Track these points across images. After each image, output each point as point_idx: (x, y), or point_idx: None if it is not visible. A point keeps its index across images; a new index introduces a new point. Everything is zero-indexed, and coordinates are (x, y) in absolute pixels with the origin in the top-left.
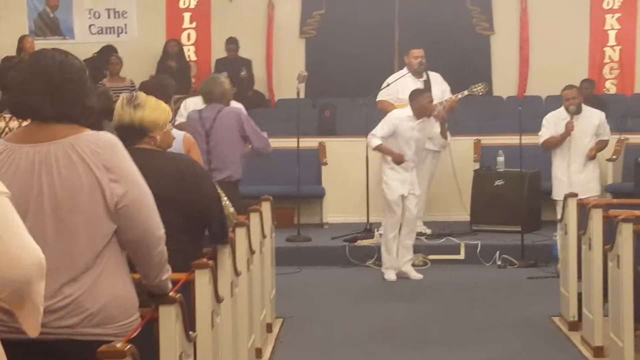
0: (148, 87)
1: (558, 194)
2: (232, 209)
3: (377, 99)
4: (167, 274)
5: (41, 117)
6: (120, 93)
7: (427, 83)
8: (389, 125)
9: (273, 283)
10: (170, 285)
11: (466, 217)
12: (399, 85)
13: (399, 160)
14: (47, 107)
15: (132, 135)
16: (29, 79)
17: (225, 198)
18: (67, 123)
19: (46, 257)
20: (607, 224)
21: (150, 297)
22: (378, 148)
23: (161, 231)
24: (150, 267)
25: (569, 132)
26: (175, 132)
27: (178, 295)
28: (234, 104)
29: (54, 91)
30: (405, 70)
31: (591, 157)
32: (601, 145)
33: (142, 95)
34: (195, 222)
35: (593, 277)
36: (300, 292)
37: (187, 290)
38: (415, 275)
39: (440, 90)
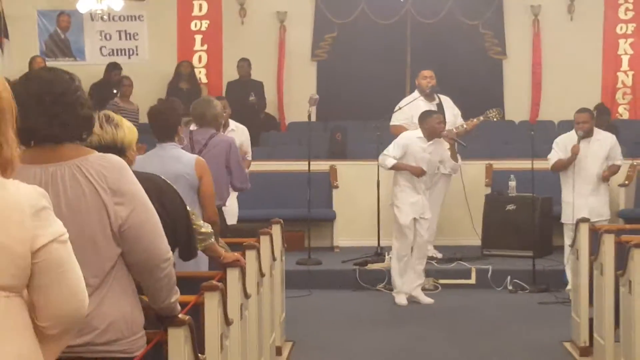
0: (159, 111)
1: (566, 218)
2: (203, 229)
3: (391, 124)
4: (176, 296)
5: (42, 138)
6: (128, 116)
7: (440, 106)
8: (400, 146)
9: (283, 306)
10: (178, 307)
11: (477, 242)
12: (413, 109)
13: (418, 173)
14: (46, 128)
15: (113, 154)
16: (23, 102)
17: (201, 221)
18: (69, 142)
19: None
20: (619, 250)
21: (159, 320)
22: (394, 167)
23: (168, 255)
24: (157, 290)
25: (575, 155)
26: (185, 154)
27: (187, 317)
28: (238, 126)
29: (48, 110)
30: (416, 93)
31: (604, 178)
32: (614, 169)
33: (115, 115)
34: None
35: (605, 302)
36: (310, 316)
37: (197, 312)
38: (425, 299)
39: (452, 114)
